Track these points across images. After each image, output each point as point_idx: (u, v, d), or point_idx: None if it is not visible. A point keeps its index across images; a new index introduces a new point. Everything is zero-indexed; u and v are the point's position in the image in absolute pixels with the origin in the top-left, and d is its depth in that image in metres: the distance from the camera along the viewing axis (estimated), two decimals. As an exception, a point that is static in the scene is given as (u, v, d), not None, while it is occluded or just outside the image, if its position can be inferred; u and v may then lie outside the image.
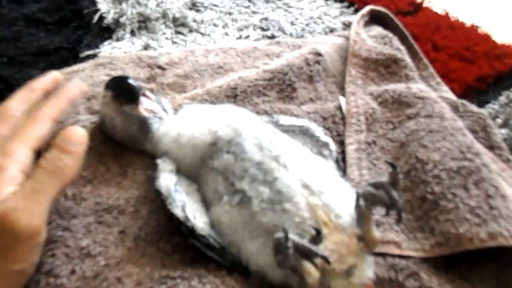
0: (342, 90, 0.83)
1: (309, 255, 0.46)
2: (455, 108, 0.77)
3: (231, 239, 0.54)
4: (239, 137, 0.57)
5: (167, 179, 0.57)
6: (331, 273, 0.49)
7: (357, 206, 0.50)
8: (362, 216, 0.50)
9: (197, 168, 0.60)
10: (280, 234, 0.46)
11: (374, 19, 1.02)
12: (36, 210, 0.46)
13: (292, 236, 0.46)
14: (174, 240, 0.57)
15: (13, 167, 0.48)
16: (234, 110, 0.64)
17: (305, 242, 0.47)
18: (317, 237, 0.47)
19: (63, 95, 0.59)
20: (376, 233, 0.51)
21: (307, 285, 0.47)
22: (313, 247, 0.46)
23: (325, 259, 0.46)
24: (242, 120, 0.60)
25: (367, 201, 0.50)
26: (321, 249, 0.47)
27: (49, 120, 0.54)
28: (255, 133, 0.57)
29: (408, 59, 0.88)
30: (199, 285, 0.51)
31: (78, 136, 0.51)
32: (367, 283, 0.50)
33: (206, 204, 0.58)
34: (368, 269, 0.51)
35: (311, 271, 0.47)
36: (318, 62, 0.85)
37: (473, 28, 1.05)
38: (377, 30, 0.97)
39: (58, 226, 0.57)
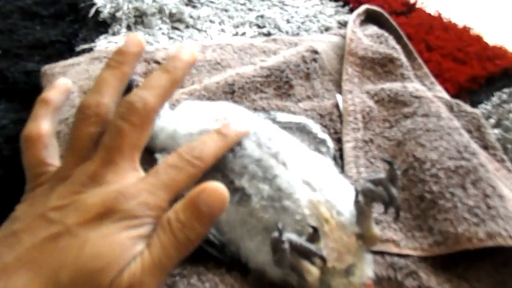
0: (338, 88, 0.83)
1: (307, 254, 0.47)
2: (449, 108, 0.78)
3: (230, 236, 0.54)
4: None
5: None
6: (331, 272, 0.49)
7: (357, 202, 0.50)
8: (361, 213, 0.50)
9: None
10: (276, 233, 0.46)
11: (369, 18, 1.02)
12: (158, 286, 0.40)
13: (288, 235, 0.46)
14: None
15: (152, 224, 0.42)
16: (232, 107, 0.64)
17: (302, 241, 0.47)
18: (315, 235, 0.47)
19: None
20: (376, 229, 0.51)
21: (307, 283, 0.47)
22: (311, 246, 0.47)
23: (323, 258, 0.47)
24: (240, 117, 0.60)
25: (366, 198, 0.50)
26: (319, 247, 0.47)
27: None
28: (254, 130, 0.57)
29: (403, 58, 0.88)
30: (198, 283, 0.51)
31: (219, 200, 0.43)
32: (367, 282, 0.51)
33: None
34: (368, 269, 0.51)
35: (311, 269, 0.47)
36: (315, 60, 0.86)
37: (466, 29, 1.06)
38: (373, 29, 0.97)
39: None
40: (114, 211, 0.39)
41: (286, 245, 0.46)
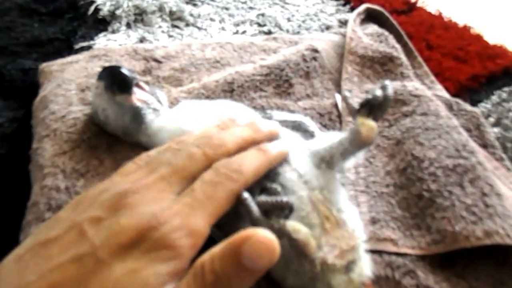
0: (338, 87, 0.83)
1: (280, 207, 0.46)
2: (449, 107, 0.78)
3: (230, 232, 0.54)
4: None
5: None
6: (332, 269, 0.49)
7: (349, 106, 0.51)
8: (354, 110, 0.51)
9: None
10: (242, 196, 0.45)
11: (370, 17, 1.02)
12: None
13: (259, 197, 0.46)
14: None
15: (188, 254, 0.37)
16: (233, 106, 0.64)
17: (269, 198, 0.46)
18: (274, 191, 0.47)
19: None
20: (372, 122, 0.50)
21: (300, 243, 0.46)
22: (278, 198, 0.46)
23: (289, 205, 0.46)
24: (241, 116, 0.60)
25: (365, 107, 0.50)
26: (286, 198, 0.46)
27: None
28: None
29: (403, 57, 0.88)
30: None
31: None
32: (366, 282, 0.51)
33: None
34: (366, 267, 0.51)
35: (296, 227, 0.46)
36: (314, 59, 0.86)
37: (466, 28, 1.06)
38: (373, 28, 0.97)
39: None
40: (145, 239, 0.36)
41: (249, 202, 0.45)
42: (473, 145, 0.67)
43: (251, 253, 0.34)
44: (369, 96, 0.50)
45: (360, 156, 0.53)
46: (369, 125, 0.50)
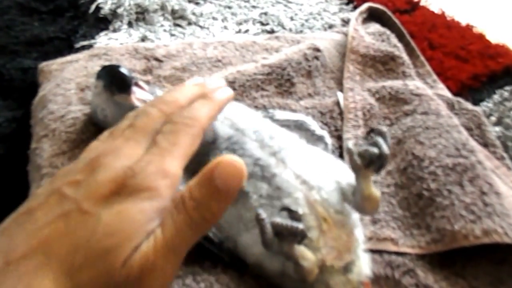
0: (340, 85, 0.83)
1: (293, 234, 0.46)
2: (450, 106, 0.78)
3: (228, 233, 0.54)
4: (239, 134, 0.57)
5: None
6: (330, 270, 0.49)
7: (353, 164, 0.50)
8: (359, 173, 0.50)
9: (193, 163, 0.60)
10: (258, 212, 0.46)
11: (372, 16, 1.02)
12: (172, 270, 0.38)
13: (275, 218, 0.46)
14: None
15: (166, 193, 0.39)
16: (233, 106, 0.64)
17: (285, 221, 0.46)
18: (294, 214, 0.47)
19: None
20: (376, 190, 0.50)
21: (303, 270, 0.47)
22: (290, 222, 0.46)
23: (304, 233, 0.46)
24: (242, 117, 0.60)
25: (361, 158, 0.50)
26: (301, 225, 0.47)
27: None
28: (255, 128, 0.57)
29: (405, 57, 0.88)
30: (193, 284, 0.51)
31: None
32: (365, 281, 0.51)
33: None
34: (365, 267, 0.51)
35: (305, 254, 0.47)
36: (316, 58, 0.86)
37: (468, 28, 1.06)
38: (375, 27, 0.97)
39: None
40: (125, 186, 0.38)
41: (267, 224, 0.46)
42: (473, 144, 0.67)
43: (223, 175, 0.38)
44: (366, 152, 0.50)
45: None
46: (375, 198, 0.50)
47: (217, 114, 0.48)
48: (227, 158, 0.39)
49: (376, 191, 0.50)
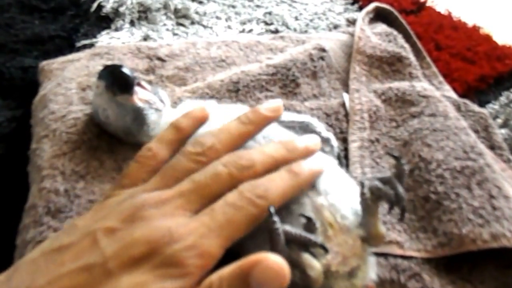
0: (345, 86, 0.82)
1: (305, 244, 0.45)
2: (457, 108, 0.77)
3: (240, 249, 0.53)
4: (250, 140, 0.56)
5: None
6: (334, 275, 0.48)
7: (363, 198, 0.49)
8: (367, 210, 0.49)
9: None
10: (270, 220, 0.44)
11: (379, 16, 1.01)
12: None
13: (285, 226, 0.44)
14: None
15: (196, 274, 0.36)
16: (240, 109, 0.63)
17: (298, 230, 0.45)
18: (310, 225, 0.46)
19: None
20: (382, 228, 0.49)
21: (310, 279, 0.46)
22: (308, 235, 0.45)
23: (323, 247, 0.45)
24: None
25: (373, 195, 0.48)
26: (317, 237, 0.46)
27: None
28: (265, 134, 0.56)
29: (412, 58, 0.87)
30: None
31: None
32: (369, 284, 0.50)
33: None
34: (371, 271, 0.50)
35: (313, 263, 0.45)
36: (322, 58, 0.85)
37: (475, 29, 1.05)
38: (382, 27, 0.96)
39: (49, 228, 0.55)
40: (157, 254, 0.36)
41: (280, 233, 0.44)
42: (481, 146, 0.66)
43: (261, 279, 0.34)
44: (380, 190, 0.48)
45: None
46: (380, 237, 0.49)
47: (295, 195, 0.45)
48: (270, 258, 0.35)
49: (382, 229, 0.49)
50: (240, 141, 0.48)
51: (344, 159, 0.67)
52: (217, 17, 1.07)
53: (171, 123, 0.52)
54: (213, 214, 0.39)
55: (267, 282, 0.34)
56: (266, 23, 1.07)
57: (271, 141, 0.53)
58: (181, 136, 0.51)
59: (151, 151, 0.48)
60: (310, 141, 0.51)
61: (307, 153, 0.50)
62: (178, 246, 0.36)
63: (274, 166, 0.45)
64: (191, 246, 0.36)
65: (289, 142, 0.49)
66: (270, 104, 0.51)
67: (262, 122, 0.50)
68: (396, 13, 1.00)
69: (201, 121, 0.53)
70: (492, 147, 0.72)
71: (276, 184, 0.43)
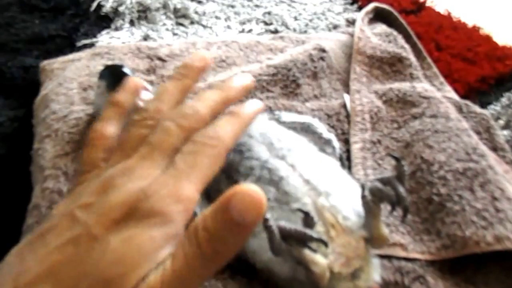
0: (346, 87, 0.82)
1: (302, 239, 0.45)
2: (458, 109, 0.77)
3: None
4: (246, 136, 0.56)
5: None
6: (337, 276, 0.48)
7: (364, 201, 0.49)
8: (369, 211, 0.49)
9: None
10: (266, 219, 0.45)
11: (378, 16, 1.01)
12: None
13: (281, 222, 0.45)
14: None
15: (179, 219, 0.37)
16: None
17: (295, 226, 0.45)
18: (308, 220, 0.46)
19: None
20: (385, 230, 0.50)
21: (314, 275, 0.46)
22: (305, 230, 0.45)
23: (322, 241, 0.45)
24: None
25: (374, 197, 0.48)
26: (316, 232, 0.46)
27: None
28: (263, 131, 0.56)
29: (412, 58, 0.87)
30: (201, 290, 0.50)
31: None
32: (373, 286, 0.50)
33: (209, 202, 0.56)
34: (375, 272, 0.50)
35: (316, 259, 0.45)
36: (322, 59, 0.84)
37: (475, 29, 1.05)
38: (382, 27, 0.96)
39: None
40: (137, 210, 0.36)
41: (274, 229, 0.44)
42: (483, 148, 0.66)
43: (239, 206, 0.34)
44: (381, 192, 0.49)
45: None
46: (383, 239, 0.49)
47: (243, 132, 0.46)
48: (245, 187, 0.35)
49: (385, 231, 0.49)
50: (181, 97, 0.48)
51: (346, 160, 0.67)
52: (217, 17, 1.07)
53: (107, 100, 0.52)
54: (176, 166, 0.39)
55: (247, 209, 0.34)
56: (266, 23, 1.06)
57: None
58: (121, 110, 0.51)
59: (97, 131, 0.48)
60: (244, 78, 0.51)
61: (244, 91, 0.50)
62: (155, 198, 0.36)
63: (217, 108, 0.46)
64: (166, 195, 0.37)
65: (224, 84, 0.49)
66: (196, 55, 0.51)
67: (196, 74, 0.50)
68: (395, 13, 1.00)
69: (137, 91, 0.53)
70: (495, 148, 0.72)
71: (223, 126, 0.43)
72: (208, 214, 0.36)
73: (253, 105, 0.47)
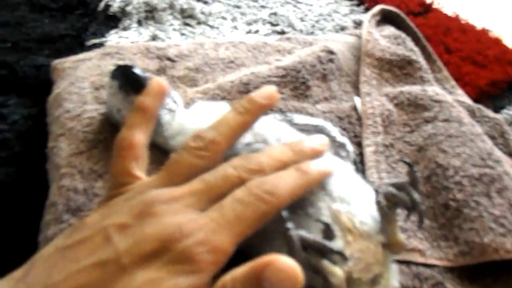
0: (356, 90, 0.81)
1: (322, 251, 0.44)
2: (471, 113, 0.76)
3: (250, 242, 0.52)
4: (261, 142, 0.55)
5: None
6: (357, 283, 0.47)
7: (379, 206, 0.48)
8: (385, 218, 0.48)
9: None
10: (286, 226, 0.44)
11: (385, 19, 1.00)
12: None
13: (301, 231, 0.44)
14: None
15: (208, 270, 0.36)
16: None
17: (315, 237, 0.45)
18: (328, 232, 0.46)
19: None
20: (401, 236, 0.49)
21: (332, 286, 0.45)
22: (326, 242, 0.44)
23: (341, 254, 0.44)
24: (263, 124, 0.58)
25: (389, 202, 0.48)
26: (336, 245, 0.45)
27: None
28: (278, 136, 0.55)
29: (422, 61, 0.87)
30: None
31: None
32: (393, 292, 0.49)
33: None
34: (393, 278, 0.49)
35: (334, 271, 0.45)
36: (331, 60, 0.84)
37: (484, 32, 1.04)
38: (390, 30, 0.96)
39: (70, 226, 0.54)
40: (168, 250, 0.36)
41: (296, 238, 0.44)
42: (498, 154, 0.66)
43: (273, 280, 0.33)
44: (395, 197, 0.48)
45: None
46: (400, 245, 0.49)
47: (304, 192, 0.45)
48: (282, 261, 0.34)
49: (401, 237, 0.49)
50: (239, 132, 0.48)
51: (359, 164, 0.66)
52: (223, 18, 1.06)
53: (134, 105, 0.52)
54: (222, 210, 0.39)
55: (280, 284, 0.34)
56: (272, 24, 1.06)
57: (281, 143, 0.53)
58: (149, 115, 0.51)
59: (126, 140, 0.48)
60: (317, 142, 0.51)
61: (314, 154, 0.49)
62: (189, 241, 0.36)
63: (282, 168, 0.45)
64: (202, 242, 0.36)
65: (296, 144, 0.49)
66: (264, 91, 0.50)
67: (259, 111, 0.49)
68: (403, 15, 0.99)
69: (162, 95, 0.54)
70: (510, 154, 0.71)
71: (285, 181, 0.43)
72: (239, 277, 0.35)
73: (322, 165, 0.47)
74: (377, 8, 1.00)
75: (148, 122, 0.50)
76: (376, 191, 0.48)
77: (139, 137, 0.48)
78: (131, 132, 0.48)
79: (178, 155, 0.45)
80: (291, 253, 0.44)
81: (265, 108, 0.50)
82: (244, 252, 0.51)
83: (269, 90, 0.51)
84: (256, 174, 0.43)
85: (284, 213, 0.44)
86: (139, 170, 0.46)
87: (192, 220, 0.37)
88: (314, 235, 0.45)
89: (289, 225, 0.44)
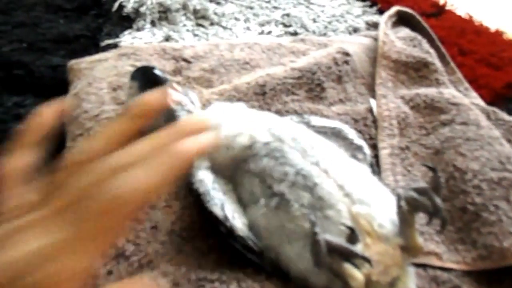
0: (371, 92, 0.81)
1: (347, 256, 0.45)
2: (486, 116, 0.75)
3: (268, 242, 0.52)
4: (278, 141, 0.55)
5: (204, 176, 0.55)
6: (375, 285, 0.47)
7: (400, 210, 0.48)
8: (404, 221, 0.48)
9: (229, 169, 0.58)
10: (313, 230, 0.45)
11: (400, 20, 1.00)
12: None
13: (326, 235, 0.45)
14: (210, 239, 0.55)
15: None
16: (271, 116, 0.62)
17: (341, 241, 0.45)
18: (353, 236, 0.46)
19: None
20: (420, 239, 0.49)
21: None
22: (351, 247, 0.45)
23: (366, 259, 0.44)
24: (282, 125, 0.58)
25: (410, 206, 0.48)
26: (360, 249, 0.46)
27: None
28: (294, 136, 0.55)
29: (438, 63, 0.86)
30: (239, 290, 0.49)
31: None
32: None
33: (242, 205, 0.56)
34: (410, 281, 0.49)
35: (355, 274, 0.45)
36: (346, 62, 0.84)
37: (498, 33, 1.04)
38: (406, 31, 0.95)
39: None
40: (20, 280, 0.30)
41: (322, 243, 0.44)
42: (516, 157, 0.65)
43: None
44: (417, 202, 0.48)
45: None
46: (418, 249, 0.49)
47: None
48: None
49: (420, 240, 0.49)
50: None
51: (376, 166, 0.66)
52: (236, 18, 1.07)
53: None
54: (77, 227, 0.32)
55: None
56: (285, 25, 1.06)
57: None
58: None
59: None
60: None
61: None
62: (40, 273, 0.30)
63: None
64: (56, 271, 0.31)
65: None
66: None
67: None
68: (418, 17, 0.99)
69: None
70: (526, 158, 0.71)
71: (134, 178, 0.33)
72: None
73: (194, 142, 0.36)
74: (393, 9, 1.00)
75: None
76: (398, 195, 0.48)
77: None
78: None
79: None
80: (316, 256, 0.44)
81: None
82: (269, 257, 0.52)
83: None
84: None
85: (312, 217, 0.45)
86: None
87: (49, 244, 0.31)
88: (339, 239, 0.45)
89: (317, 229, 0.44)
